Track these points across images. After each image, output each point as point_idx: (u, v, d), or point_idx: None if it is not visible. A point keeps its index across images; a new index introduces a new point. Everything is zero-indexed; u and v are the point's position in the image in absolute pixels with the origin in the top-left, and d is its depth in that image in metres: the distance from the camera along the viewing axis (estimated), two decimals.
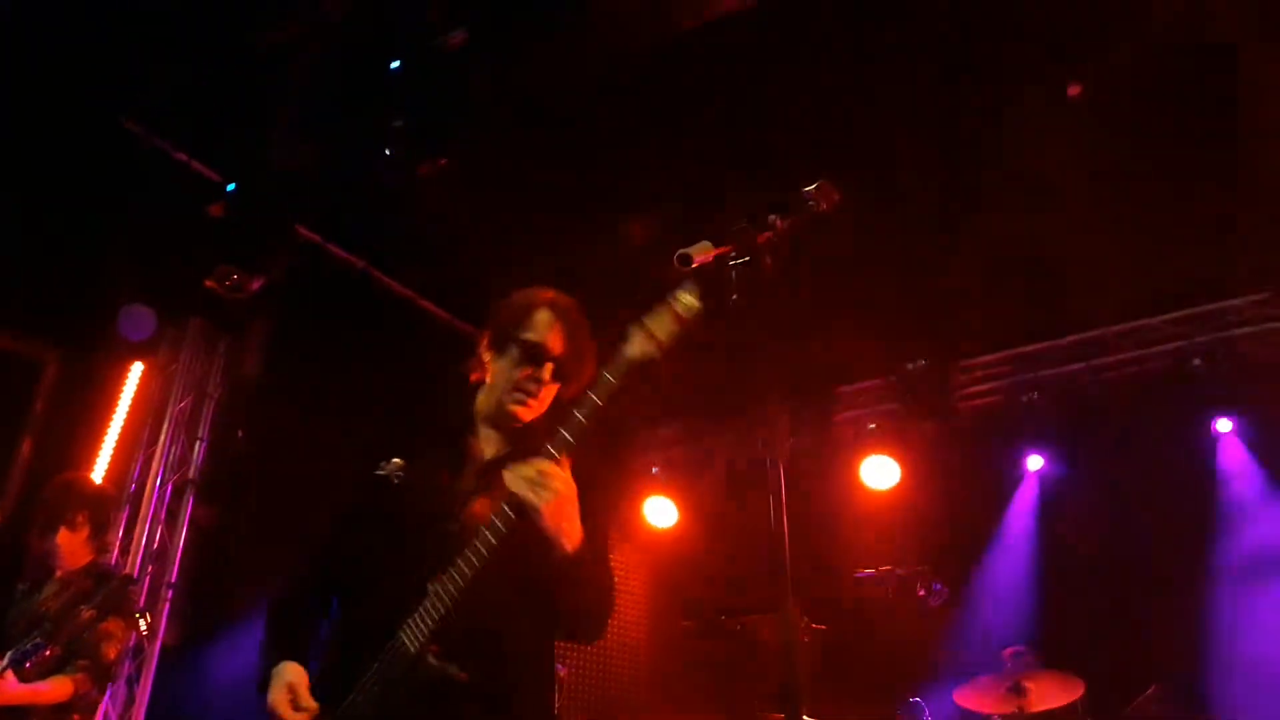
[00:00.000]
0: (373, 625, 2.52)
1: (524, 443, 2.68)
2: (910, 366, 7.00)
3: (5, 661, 3.92)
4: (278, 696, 2.53)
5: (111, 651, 4.26)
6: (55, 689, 4.09)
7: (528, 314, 2.74)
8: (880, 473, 7.20)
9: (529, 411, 2.72)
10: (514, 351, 2.72)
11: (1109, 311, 6.89)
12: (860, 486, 7.27)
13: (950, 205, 5.82)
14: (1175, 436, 6.64)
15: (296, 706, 2.52)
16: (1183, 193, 5.70)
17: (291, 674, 2.56)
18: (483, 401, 2.78)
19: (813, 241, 2.71)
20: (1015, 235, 5.99)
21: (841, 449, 7.46)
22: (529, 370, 2.70)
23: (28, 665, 3.97)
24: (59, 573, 4.41)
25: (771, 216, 2.56)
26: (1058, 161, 5.58)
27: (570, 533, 2.45)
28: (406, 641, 2.46)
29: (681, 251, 2.41)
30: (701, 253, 2.42)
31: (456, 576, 2.45)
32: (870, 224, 5.27)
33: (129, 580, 5.38)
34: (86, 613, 4.20)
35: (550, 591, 2.53)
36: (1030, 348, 7.19)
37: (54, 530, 4.40)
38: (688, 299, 2.43)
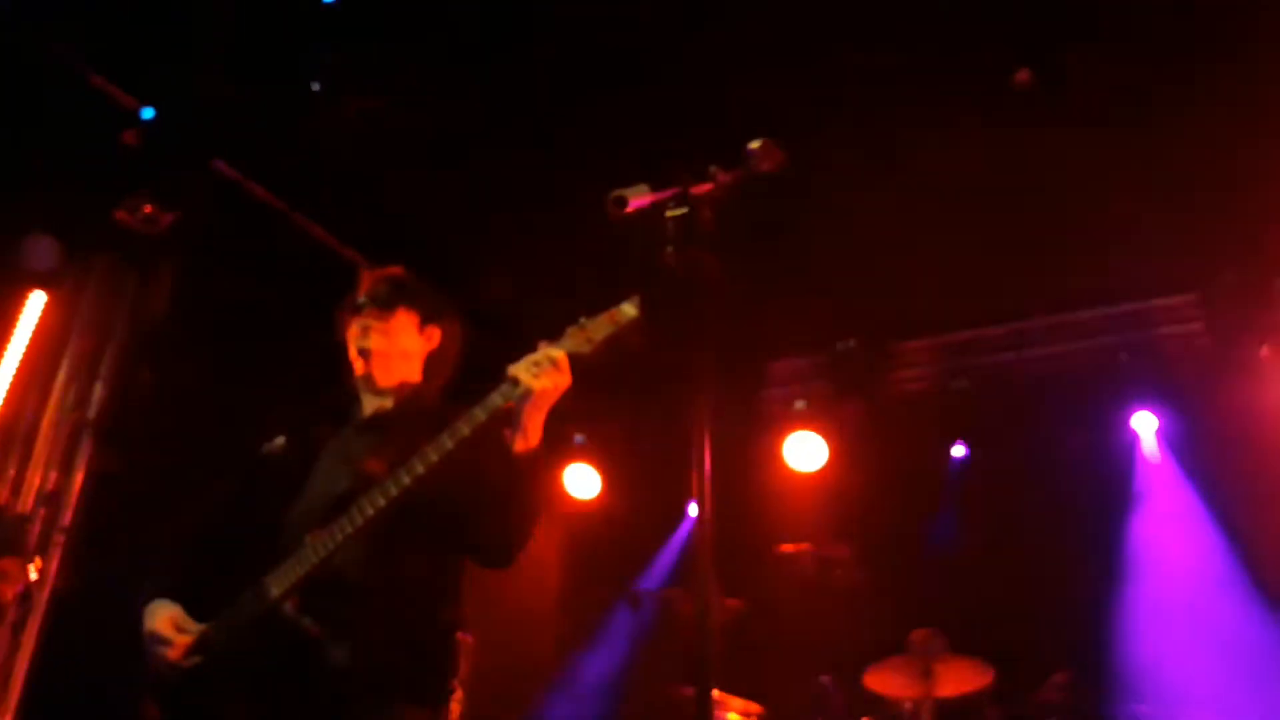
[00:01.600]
0: (242, 576, 2.61)
1: (408, 398, 2.89)
2: (840, 346, 6.97)
3: None
4: (158, 622, 2.62)
5: (8, 591, 4.08)
6: None
7: (356, 288, 3.00)
8: (807, 451, 7.17)
9: (374, 340, 2.86)
10: (350, 317, 2.96)
11: (1041, 303, 6.94)
12: (786, 464, 7.23)
13: (890, 186, 5.76)
14: (1097, 428, 6.73)
15: (180, 629, 2.61)
16: (1125, 187, 5.71)
17: (167, 607, 2.66)
18: (357, 376, 2.97)
19: (752, 204, 2.67)
20: (953, 221, 5.98)
21: (769, 425, 7.42)
22: (357, 320, 2.92)
23: None
24: None
25: (712, 168, 2.51)
26: (999, 152, 5.57)
27: (532, 433, 2.57)
28: (271, 588, 2.53)
29: (617, 193, 2.36)
30: (637, 196, 2.36)
31: (337, 531, 2.51)
32: (812, 196, 5.20)
33: (23, 519, 5.18)
34: None
35: (478, 510, 2.57)
36: (962, 335, 7.19)
37: None
38: (627, 308, 2.59)
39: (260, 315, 6.24)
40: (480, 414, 2.53)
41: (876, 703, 5.59)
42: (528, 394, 2.53)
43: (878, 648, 5.57)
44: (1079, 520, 6.47)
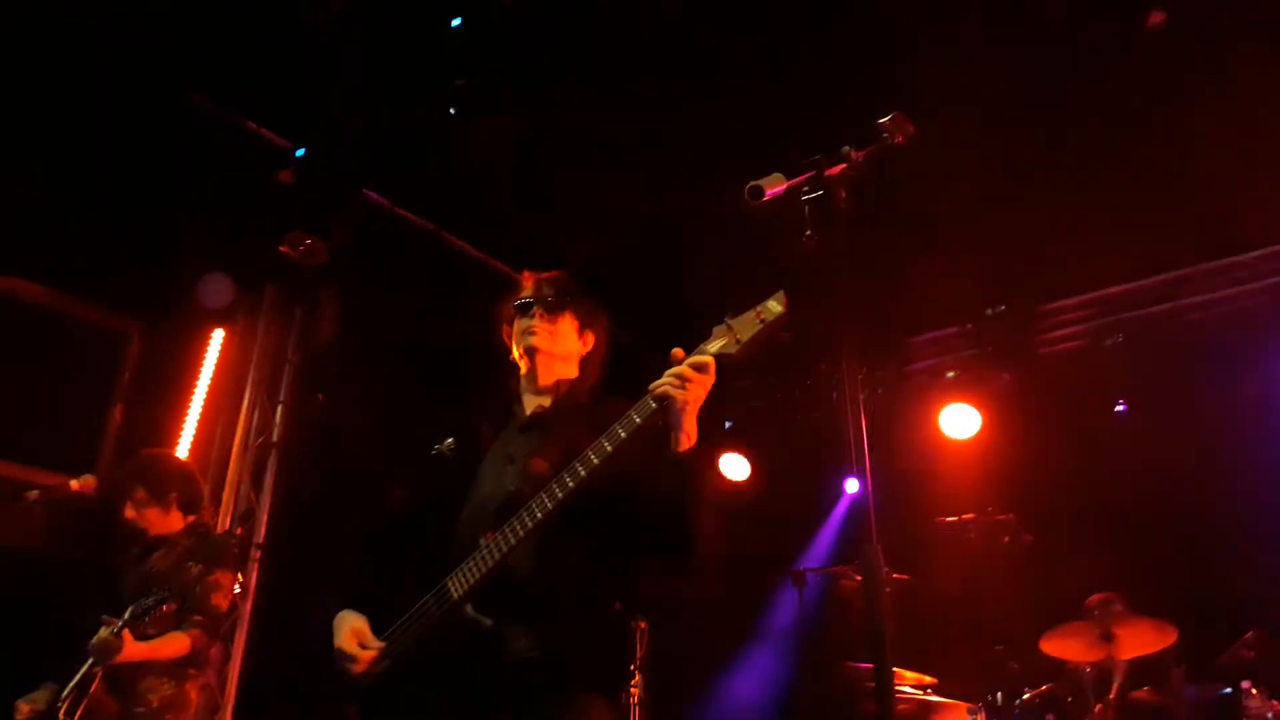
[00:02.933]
0: (427, 580, 2.68)
1: (565, 396, 2.94)
2: (990, 313, 6.77)
3: (122, 621, 3.99)
4: (343, 639, 2.71)
5: (223, 602, 4.37)
6: (173, 644, 4.19)
7: (516, 291, 3.05)
8: (960, 421, 7.01)
9: (540, 339, 2.94)
10: (515, 317, 3.01)
11: (1194, 250, 6.59)
12: (940, 436, 7.09)
13: (1028, 144, 5.57)
14: (1265, 376, 6.33)
15: (363, 645, 2.69)
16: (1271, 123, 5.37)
17: (353, 619, 2.75)
18: (520, 376, 3.02)
19: (886, 179, 2.63)
20: (1097, 173, 5.74)
21: (920, 399, 7.28)
22: (525, 317, 2.98)
23: (147, 620, 4.05)
24: (159, 537, 4.51)
25: (845, 148, 2.48)
26: (1140, 97, 5.32)
27: (690, 431, 2.56)
28: (451, 589, 2.62)
29: (752, 184, 2.35)
30: (773, 185, 2.35)
31: (510, 532, 2.57)
32: (945, 164, 5.08)
33: (230, 535, 5.54)
34: (194, 568, 4.31)
35: (654, 503, 2.60)
36: (1114, 289, 6.90)
37: (148, 506, 4.49)
38: (773, 304, 2.55)
39: (419, 330, 6.46)
40: (636, 417, 2.55)
41: (1056, 668, 5.42)
42: (677, 405, 2.54)
43: (1051, 614, 5.40)
44: (1253, 472, 6.11)
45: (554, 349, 2.95)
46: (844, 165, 2.47)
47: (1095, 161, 5.68)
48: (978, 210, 5.91)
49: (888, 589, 2.28)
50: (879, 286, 5.88)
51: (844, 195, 2.45)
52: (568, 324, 2.98)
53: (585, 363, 3.04)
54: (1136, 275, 6.80)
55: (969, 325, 7.10)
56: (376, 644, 2.68)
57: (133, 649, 4.03)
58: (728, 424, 8.48)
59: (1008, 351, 6.83)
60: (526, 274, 3.07)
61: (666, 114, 5.49)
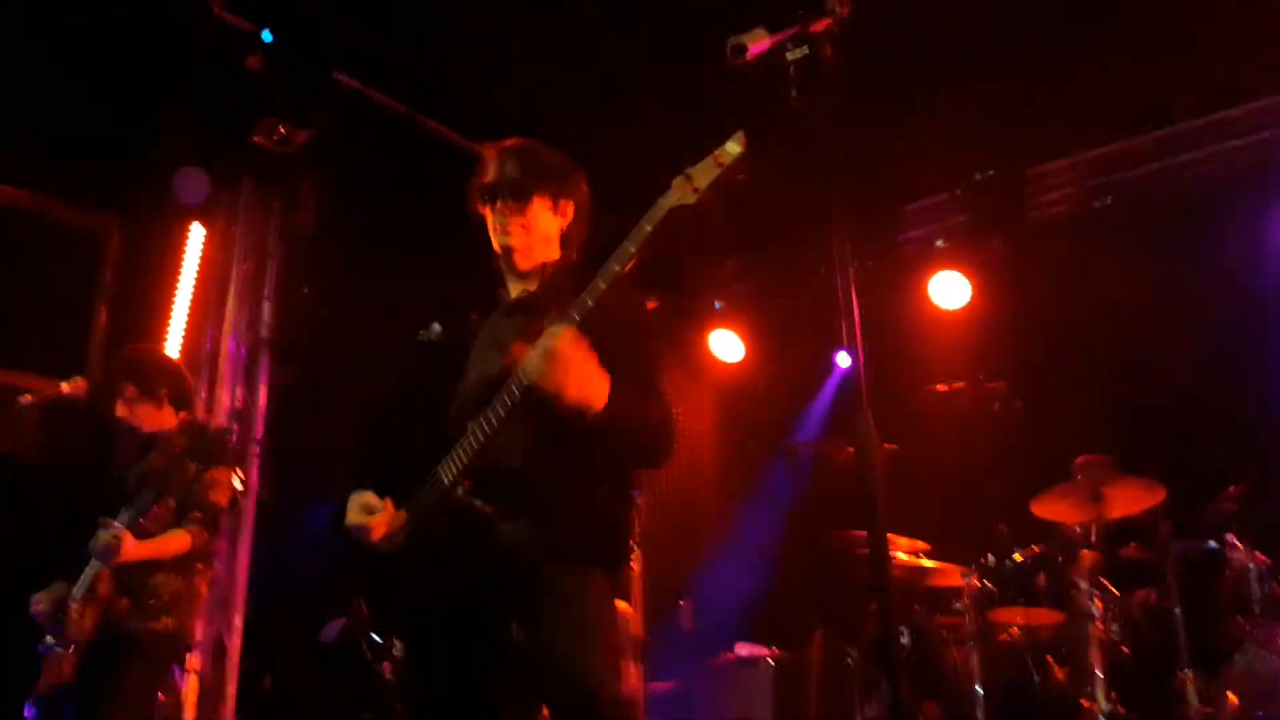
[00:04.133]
0: (418, 464, 2.66)
1: (550, 279, 2.84)
2: (978, 178, 6.63)
3: (118, 524, 3.98)
4: (352, 515, 2.69)
5: (221, 498, 4.37)
6: (175, 541, 4.19)
7: (482, 167, 2.87)
8: (950, 290, 6.95)
9: (514, 238, 2.81)
10: (480, 202, 2.86)
11: (1187, 105, 6.41)
12: (930, 305, 7.04)
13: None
14: (1257, 234, 6.24)
15: (370, 509, 2.68)
16: None
17: (358, 495, 2.72)
18: (499, 258, 2.92)
19: (870, 39, 2.50)
20: (1087, 25, 5.54)
21: (909, 268, 7.20)
22: (492, 208, 2.83)
23: (142, 521, 4.06)
24: (153, 434, 4.47)
25: (828, 0, 2.34)
26: None
27: (592, 393, 2.47)
28: (443, 475, 2.60)
29: (734, 40, 2.23)
30: (756, 41, 2.23)
31: (491, 416, 2.54)
32: (930, 22, 4.90)
33: (224, 431, 5.54)
34: (191, 466, 4.28)
35: (592, 435, 2.54)
36: (1103, 149, 6.74)
37: (139, 403, 4.44)
38: (730, 146, 2.47)
39: (401, 217, 6.34)
40: (516, 390, 2.51)
41: (1047, 530, 5.49)
42: (544, 392, 2.45)
43: (1041, 478, 5.44)
44: (1243, 330, 6.07)
45: (531, 240, 2.82)
46: (829, 19, 2.34)
47: (1085, 13, 5.47)
48: (965, 70, 5.72)
49: (879, 457, 2.25)
50: (867, 153, 5.73)
51: (831, 52, 2.33)
52: (540, 205, 2.83)
53: (566, 235, 2.91)
54: (1126, 134, 6.65)
55: (958, 191, 6.96)
56: (380, 503, 2.66)
57: (134, 548, 4.04)
58: (717, 304, 8.43)
59: (997, 217, 6.71)
60: (487, 148, 2.91)
61: None
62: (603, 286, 2.46)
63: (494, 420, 2.52)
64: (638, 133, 6.18)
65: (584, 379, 2.45)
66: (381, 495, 2.72)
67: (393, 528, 2.64)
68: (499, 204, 2.79)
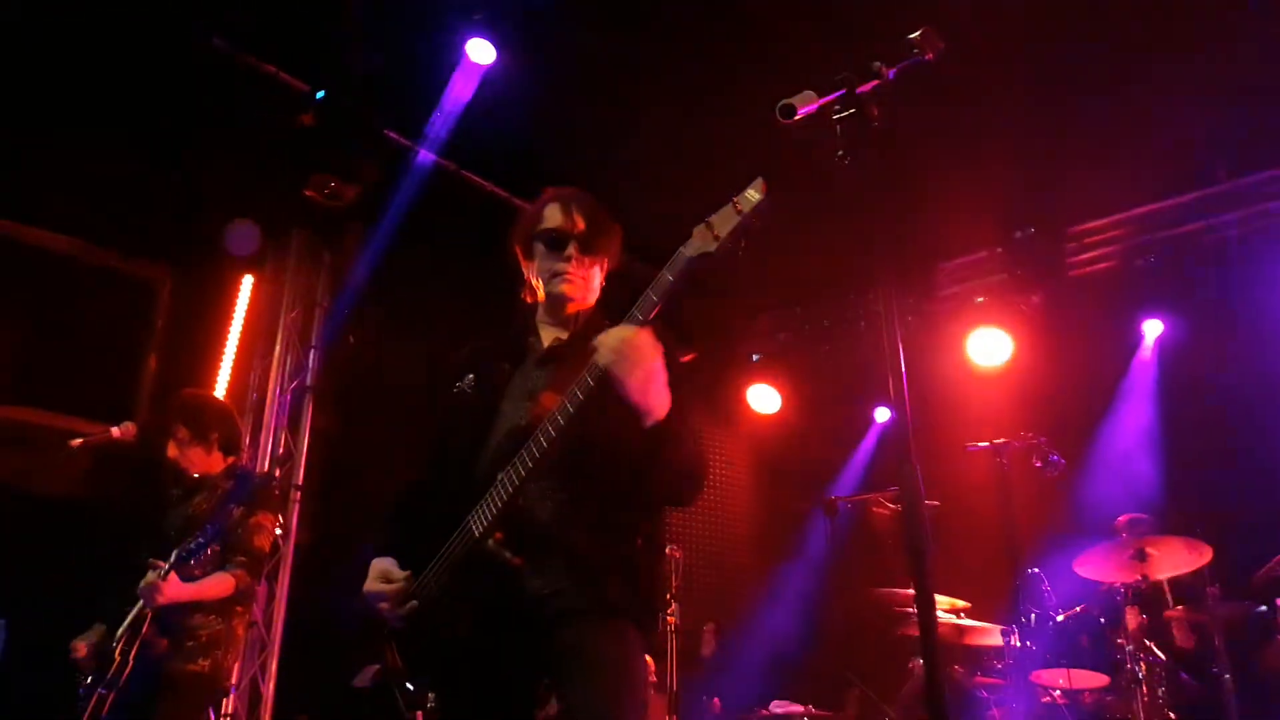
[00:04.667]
0: (451, 518, 2.64)
1: (581, 328, 2.80)
2: (1018, 235, 6.62)
3: (169, 563, 4.03)
4: (370, 583, 2.71)
5: (265, 542, 4.39)
6: (218, 584, 4.21)
7: (539, 211, 2.84)
8: (990, 347, 6.92)
9: (574, 288, 2.79)
10: (539, 247, 2.81)
11: (1225, 166, 6.39)
12: (970, 361, 7.00)
13: (1056, 60, 5.39)
14: None
15: (389, 580, 2.68)
16: None
17: (382, 563, 2.73)
18: (537, 305, 2.88)
19: (915, 99, 2.52)
20: (1126, 89, 5.56)
21: (949, 325, 7.19)
22: (556, 253, 2.78)
23: (192, 563, 4.09)
24: (200, 478, 4.52)
25: (876, 64, 2.37)
26: (1170, 10, 5.13)
27: (658, 400, 2.45)
28: (473, 527, 2.58)
29: (784, 102, 2.24)
30: (805, 102, 2.25)
31: (520, 466, 2.51)
32: (972, 82, 4.93)
33: (269, 477, 5.59)
34: (236, 510, 4.31)
35: (635, 462, 2.53)
36: (1144, 209, 6.72)
37: (190, 445, 4.50)
38: (750, 193, 2.41)
39: (443, 270, 6.42)
40: (590, 379, 2.44)
41: (1089, 590, 5.39)
42: (620, 382, 2.40)
43: (1085, 536, 5.35)
44: None
45: (583, 294, 2.81)
46: (876, 81, 2.37)
47: (1124, 77, 5.48)
48: (1005, 129, 5.74)
49: (926, 512, 2.23)
50: (908, 209, 5.75)
51: (875, 113, 2.36)
52: (598, 264, 2.82)
53: (602, 287, 2.91)
54: (1168, 193, 6.63)
55: (998, 249, 6.94)
56: (401, 575, 2.66)
57: (179, 590, 4.06)
58: (755, 357, 8.44)
59: (1037, 274, 6.69)
60: (550, 192, 2.87)
61: (694, 40, 5.32)
62: (590, 383, 2.43)
63: (524, 470, 2.50)
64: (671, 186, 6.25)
65: (655, 378, 2.43)
66: (406, 556, 2.72)
67: (405, 604, 2.64)
68: (566, 252, 2.76)
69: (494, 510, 2.54)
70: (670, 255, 2.51)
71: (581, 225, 2.79)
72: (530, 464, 2.50)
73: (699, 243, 2.44)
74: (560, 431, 2.47)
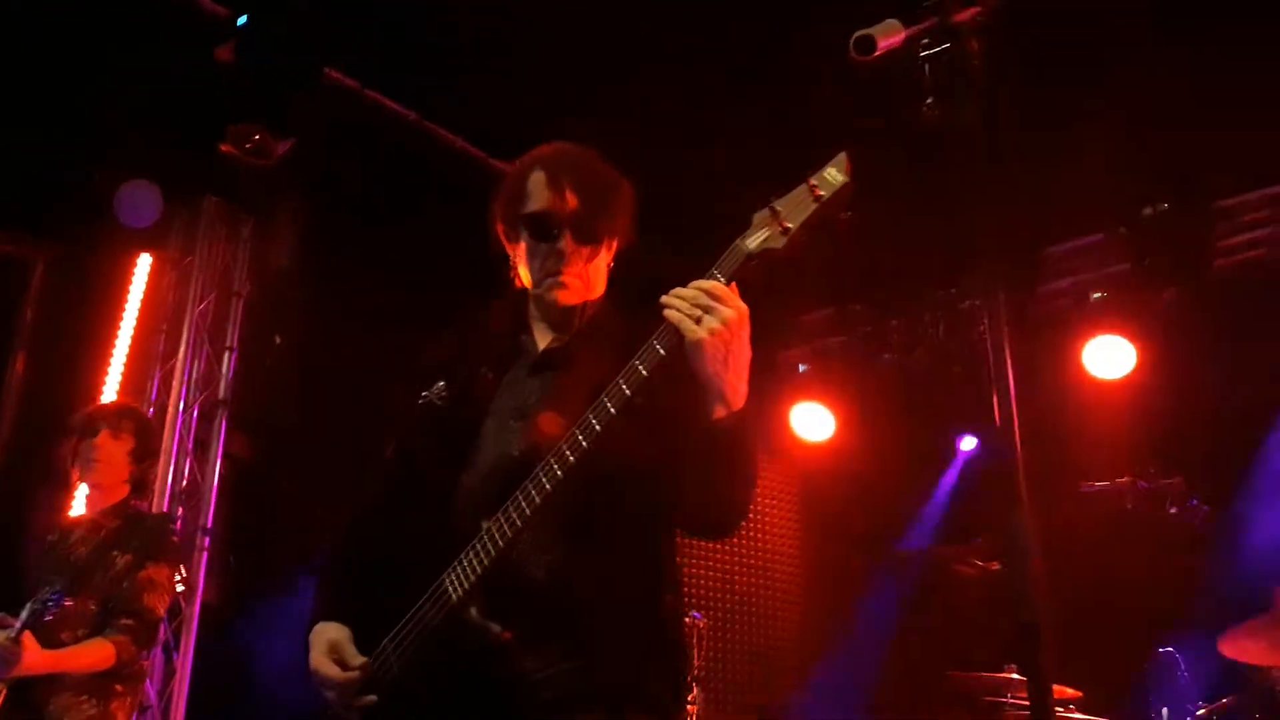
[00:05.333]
0: (416, 569, 2.63)
1: (585, 326, 2.83)
2: (1148, 212, 6.62)
3: (19, 623, 4.00)
4: (318, 658, 2.69)
5: (158, 604, 4.41)
6: (93, 653, 4.20)
7: (522, 185, 2.83)
8: (1109, 356, 6.91)
9: (570, 292, 2.79)
10: (524, 233, 2.82)
11: None
12: (1083, 376, 7.00)
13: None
14: None
15: (344, 666, 2.66)
16: None
17: (332, 631, 2.72)
18: (528, 294, 2.90)
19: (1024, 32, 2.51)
20: None
21: (1056, 328, 7.18)
22: (545, 246, 2.78)
23: (48, 619, 4.06)
24: (88, 509, 4.59)
25: None
26: None
27: (740, 381, 2.43)
28: (450, 588, 2.56)
29: (861, 33, 2.24)
30: (887, 34, 2.23)
31: (514, 514, 2.49)
32: (1091, 13, 4.92)
33: (167, 519, 5.62)
34: (121, 558, 4.33)
35: (685, 483, 2.53)
36: None
37: (93, 434, 4.53)
38: (832, 173, 2.39)
39: (402, 249, 6.42)
40: (643, 368, 2.41)
41: (1239, 676, 5.38)
42: (693, 347, 2.38)
43: (1234, 608, 5.34)
44: None
45: (587, 289, 2.81)
46: (976, 8, 2.37)
47: None
48: (1133, 70, 5.73)
49: (1040, 573, 2.22)
50: (1010, 179, 5.74)
51: (975, 48, 2.35)
52: (602, 249, 2.82)
53: (611, 269, 2.90)
54: None
55: (1121, 229, 6.93)
56: (358, 661, 2.65)
57: (38, 658, 4.04)
58: (801, 368, 8.44)
59: (1173, 263, 6.68)
60: (533, 156, 2.85)
61: None
62: (644, 372, 2.41)
63: (519, 521, 2.48)
64: (706, 144, 6.24)
65: (743, 351, 2.42)
66: (357, 617, 2.72)
67: (361, 698, 2.62)
68: (559, 245, 2.75)
69: (477, 569, 2.52)
70: (715, 239, 2.50)
71: (574, 203, 2.75)
72: (529, 512, 2.47)
73: (762, 234, 2.42)
74: (573, 469, 2.44)
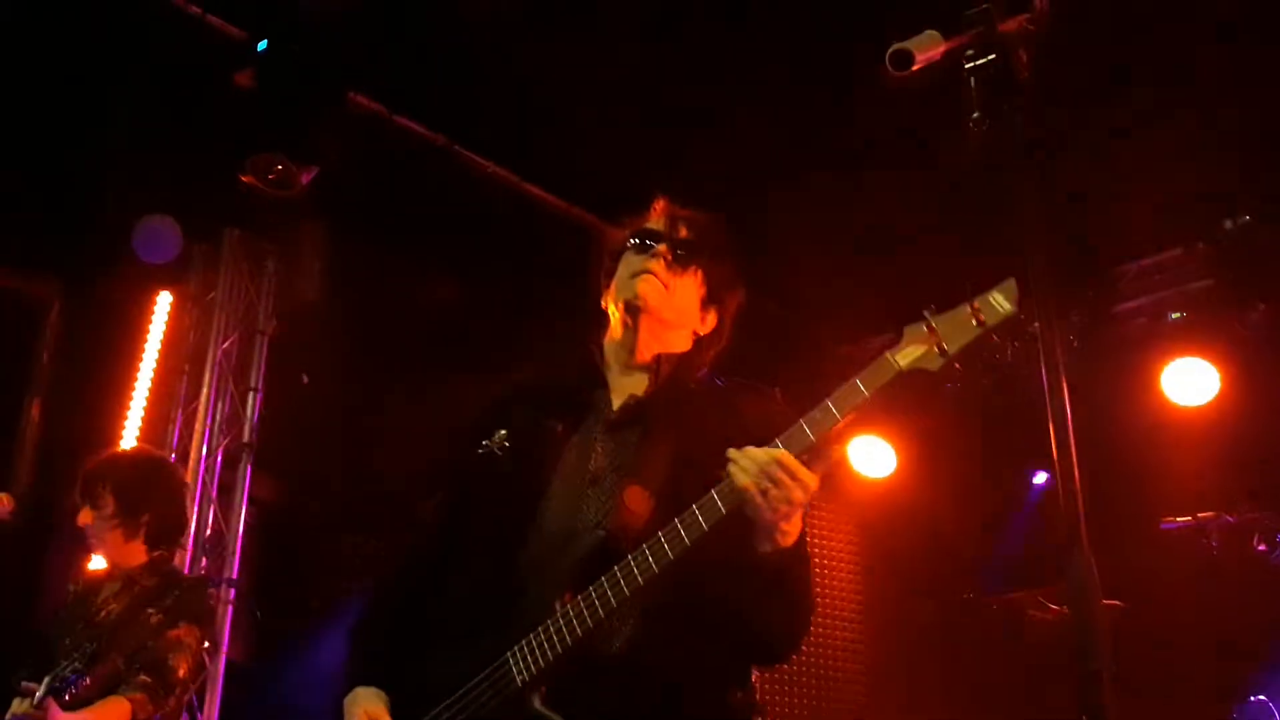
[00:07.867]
0: (469, 639, 2.62)
1: (666, 383, 2.84)
2: (1229, 225, 6.56)
3: (42, 688, 4.04)
4: None
5: (181, 666, 4.41)
6: (109, 713, 4.22)
7: (646, 212, 2.98)
8: (1190, 382, 6.85)
9: (652, 289, 2.82)
10: (628, 247, 2.94)
11: None
12: (1162, 403, 6.94)
13: None
14: None
15: None
16: None
17: (369, 699, 2.70)
18: (607, 342, 2.93)
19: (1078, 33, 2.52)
20: None
21: (1131, 352, 7.13)
22: (641, 258, 2.88)
23: (79, 685, 4.11)
24: (113, 570, 4.59)
25: None
26: None
27: (790, 529, 2.49)
28: (513, 668, 2.53)
29: (898, 47, 2.26)
30: (926, 47, 2.25)
31: (598, 600, 2.48)
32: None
33: (204, 581, 5.60)
34: (154, 617, 4.35)
35: (738, 603, 2.57)
36: None
37: (77, 510, 4.56)
38: (998, 300, 2.41)
39: (434, 279, 6.45)
40: (703, 519, 2.45)
41: None
42: (754, 512, 2.43)
43: None
44: None
45: (665, 309, 2.84)
46: (1024, 16, 2.38)
47: None
48: (1211, 75, 5.69)
49: (1104, 619, 2.20)
50: (1069, 192, 5.71)
51: (1024, 58, 2.36)
52: (691, 283, 2.88)
53: (701, 342, 2.95)
54: None
55: (1199, 244, 6.88)
56: None
57: None
58: None
59: (1259, 278, 6.61)
60: (660, 202, 2.99)
61: None
62: (723, 511, 2.44)
63: (601, 610, 2.48)
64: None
65: (801, 508, 2.47)
66: (397, 685, 2.71)
67: None
68: (654, 251, 2.87)
69: (549, 655, 2.50)
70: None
71: (684, 233, 2.89)
72: (614, 603, 2.48)
73: (916, 351, 2.45)
74: (665, 568, 2.46)
